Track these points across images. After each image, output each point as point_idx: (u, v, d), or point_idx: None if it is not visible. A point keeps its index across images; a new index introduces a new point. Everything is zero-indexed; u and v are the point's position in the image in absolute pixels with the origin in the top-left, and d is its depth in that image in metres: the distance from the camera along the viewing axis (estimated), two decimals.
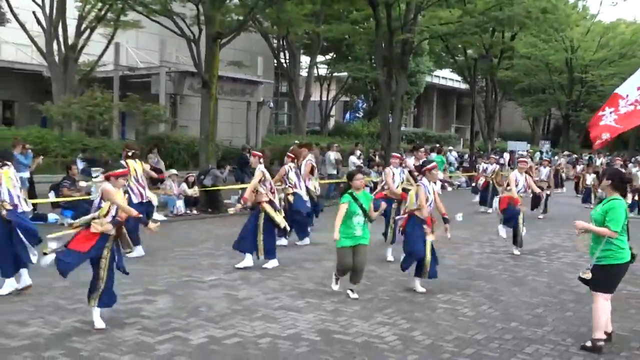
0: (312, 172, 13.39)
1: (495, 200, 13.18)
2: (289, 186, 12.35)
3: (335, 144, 24.83)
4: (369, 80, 39.78)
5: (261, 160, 10.72)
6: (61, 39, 23.69)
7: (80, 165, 17.19)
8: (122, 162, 11.20)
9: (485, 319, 7.69)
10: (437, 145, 33.37)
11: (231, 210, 11.63)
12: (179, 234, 14.02)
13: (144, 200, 11.29)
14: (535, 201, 17.68)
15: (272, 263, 10.42)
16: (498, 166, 20.48)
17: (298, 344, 6.57)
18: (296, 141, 24.50)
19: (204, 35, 20.44)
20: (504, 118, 58.49)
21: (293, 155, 12.82)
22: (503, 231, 12.41)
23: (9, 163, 8.46)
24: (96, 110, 20.97)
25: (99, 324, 6.85)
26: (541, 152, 39.73)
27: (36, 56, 26.18)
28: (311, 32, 33.64)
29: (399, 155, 12.70)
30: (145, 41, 30.68)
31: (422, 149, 15.62)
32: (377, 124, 35.91)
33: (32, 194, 15.17)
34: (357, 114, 51.35)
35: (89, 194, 14.79)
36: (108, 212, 6.89)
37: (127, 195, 10.95)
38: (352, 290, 8.52)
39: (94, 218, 6.86)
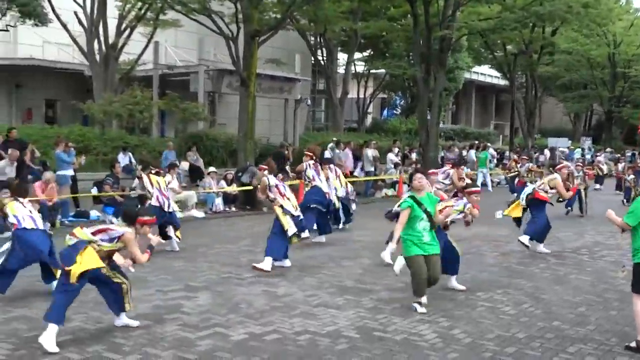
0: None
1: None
2: (307, 182, 12.56)
3: (373, 141, 24.78)
4: (406, 77, 39.55)
5: (266, 171, 10.89)
6: (102, 39, 24.04)
7: (123, 160, 17.40)
8: (144, 176, 11.69)
9: (526, 318, 7.59)
10: (476, 142, 33.08)
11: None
12: (218, 231, 14.13)
13: (166, 210, 11.28)
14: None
15: (266, 263, 9.77)
16: (530, 164, 20.39)
17: (337, 341, 6.56)
18: (334, 138, 24.52)
19: (242, 34, 20.57)
20: (544, 114, 57.66)
21: (312, 154, 12.97)
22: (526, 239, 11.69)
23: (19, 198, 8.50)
24: (136, 109, 21.24)
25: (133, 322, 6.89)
26: (582, 149, 39.11)
27: (78, 55, 26.60)
28: (348, 29, 33.61)
29: (435, 171, 12.42)
30: (184, 40, 30.97)
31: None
32: (415, 121, 35.70)
33: (74, 191, 15.46)
34: (394, 111, 51.11)
35: (132, 189, 15.00)
36: (113, 250, 6.68)
37: (148, 201, 11.40)
38: (419, 303, 7.64)
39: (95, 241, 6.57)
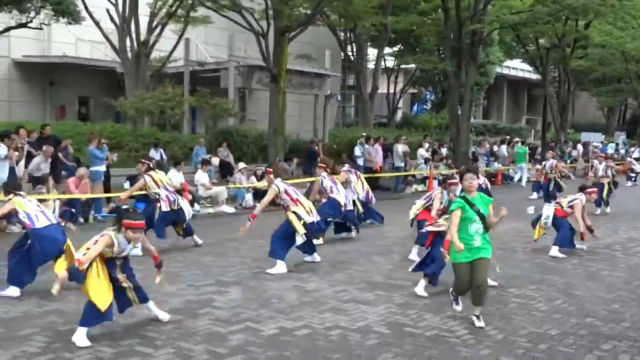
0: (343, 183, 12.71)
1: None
2: (327, 195, 12.00)
3: (403, 137, 24.67)
4: (437, 72, 39.32)
5: (272, 175, 10.36)
6: (133, 36, 24.26)
7: (155, 156, 17.53)
8: (146, 177, 11.17)
9: (559, 314, 7.51)
10: (507, 137, 32.78)
11: (242, 231, 10.07)
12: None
13: (175, 208, 11.05)
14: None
15: (279, 267, 9.52)
16: (555, 161, 19.62)
17: (368, 336, 6.56)
18: (364, 133, 24.47)
19: (272, 30, 20.63)
20: (577, 109, 56.87)
21: (325, 165, 12.48)
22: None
23: (21, 193, 8.57)
24: (167, 105, 21.42)
25: (163, 314, 6.94)
26: (616, 144, 38.55)
27: (110, 53, 26.89)
28: (378, 24, 33.48)
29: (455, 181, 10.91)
30: (214, 36, 31.13)
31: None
32: (446, 115, 35.49)
33: (107, 187, 15.64)
34: (424, 106, 50.89)
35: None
36: (114, 252, 6.54)
37: (158, 203, 10.98)
38: (477, 316, 7.02)
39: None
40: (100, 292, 6.34)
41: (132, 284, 6.70)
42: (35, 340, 6.24)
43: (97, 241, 6.48)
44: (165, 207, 10.97)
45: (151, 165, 11.46)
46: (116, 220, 6.62)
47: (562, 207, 11.51)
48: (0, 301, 7.61)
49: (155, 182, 11.10)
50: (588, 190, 11.89)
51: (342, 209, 12.05)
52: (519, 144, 28.48)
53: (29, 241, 8.09)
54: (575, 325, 7.10)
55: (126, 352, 5.95)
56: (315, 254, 10.20)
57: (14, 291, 7.93)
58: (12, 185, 9.28)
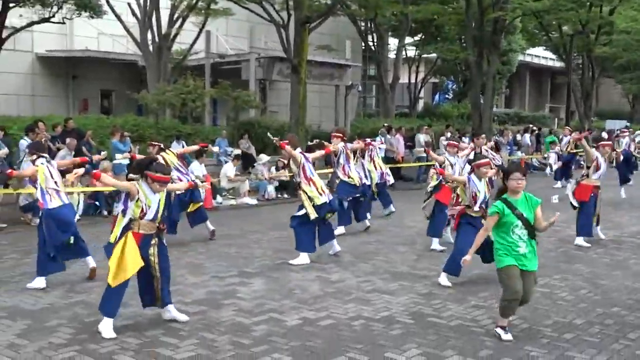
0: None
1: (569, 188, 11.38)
2: (336, 167, 11.96)
3: (425, 126, 24.55)
4: (458, 61, 39.00)
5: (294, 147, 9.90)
6: (155, 29, 24.32)
7: (178, 147, 17.58)
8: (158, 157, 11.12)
9: (584, 304, 7.45)
10: (531, 125, 32.50)
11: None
12: (271, 217, 14.22)
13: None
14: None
15: (301, 259, 9.50)
16: (571, 136, 19.30)
17: (392, 326, 6.55)
18: (385, 124, 24.38)
19: (292, 21, 20.59)
20: (601, 96, 56.21)
21: (341, 135, 12.04)
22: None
23: (45, 155, 8.31)
24: (189, 98, 21.46)
25: (182, 317, 6.71)
26: None
27: (131, 46, 26.98)
28: (399, 14, 33.23)
29: (455, 143, 11.26)
30: (234, 28, 31.13)
31: (483, 136, 14.29)
32: (468, 105, 35.25)
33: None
34: (446, 96, 50.55)
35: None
36: (143, 211, 6.38)
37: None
38: (504, 328, 6.25)
39: (131, 220, 6.41)
40: (126, 264, 6.24)
41: (163, 274, 6.53)
42: (62, 331, 6.31)
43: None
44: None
45: (162, 147, 11.40)
46: (138, 170, 6.48)
47: (588, 175, 11.06)
48: (27, 293, 7.70)
49: (167, 163, 10.79)
50: (602, 143, 11.78)
51: (359, 184, 11.91)
52: (548, 133, 28.21)
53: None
54: (601, 314, 7.03)
55: (151, 343, 5.99)
56: (335, 242, 10.03)
57: (39, 282, 7.99)
58: (35, 146, 8.70)
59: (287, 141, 9.83)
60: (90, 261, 8.41)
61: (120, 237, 6.38)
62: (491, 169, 8.65)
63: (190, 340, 6.07)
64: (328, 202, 9.74)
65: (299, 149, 9.88)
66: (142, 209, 6.36)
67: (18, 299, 7.47)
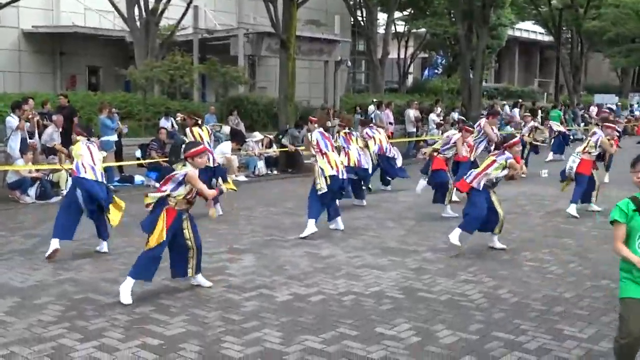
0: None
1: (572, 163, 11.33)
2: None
3: (415, 102, 24.51)
4: (448, 36, 38.91)
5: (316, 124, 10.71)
6: (142, 4, 24.09)
7: (165, 125, 17.49)
8: (187, 131, 11.22)
9: (574, 277, 7.48)
10: (520, 100, 32.50)
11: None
12: (261, 194, 14.20)
13: (211, 165, 10.83)
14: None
15: (309, 227, 9.54)
16: (534, 123, 18.59)
17: (382, 301, 6.56)
18: (374, 99, 24.31)
19: None
20: (590, 70, 56.33)
21: (345, 123, 12.75)
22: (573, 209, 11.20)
23: (86, 136, 8.88)
24: (177, 74, 21.32)
25: (207, 283, 7.06)
26: (631, 105, 38.18)
27: (118, 22, 26.76)
28: None
29: (470, 129, 11.97)
30: (222, 3, 30.90)
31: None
32: (457, 80, 35.19)
33: (119, 156, 15.65)
34: (436, 71, 50.48)
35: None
36: (188, 194, 6.67)
37: None
38: None
39: (169, 195, 6.63)
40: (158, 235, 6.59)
41: (196, 245, 6.87)
42: (51, 309, 6.28)
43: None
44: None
45: (199, 122, 11.43)
46: (180, 160, 6.97)
47: (590, 154, 11.28)
48: (16, 271, 7.66)
49: (194, 137, 10.86)
50: (607, 125, 12.04)
51: (358, 164, 12.18)
52: (552, 107, 28.25)
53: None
54: (590, 287, 7.07)
55: (141, 320, 5.98)
56: (339, 220, 10.10)
57: (54, 244, 8.13)
58: (80, 127, 9.48)
59: (316, 118, 10.68)
60: (104, 246, 8.61)
61: (159, 212, 6.62)
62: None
63: (181, 317, 6.06)
64: (341, 178, 9.84)
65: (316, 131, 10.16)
66: (190, 191, 6.65)
67: (7, 276, 7.43)
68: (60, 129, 14.43)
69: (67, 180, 13.30)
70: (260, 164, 17.46)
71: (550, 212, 11.60)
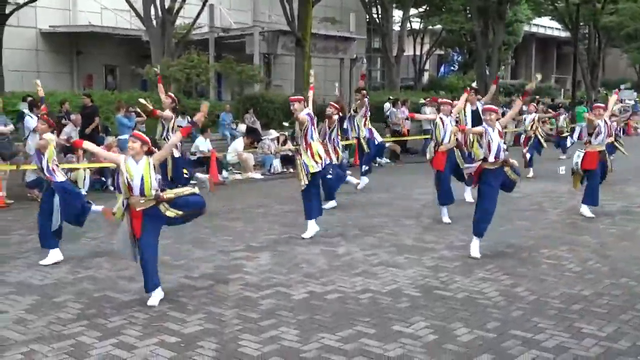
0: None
1: (577, 157, 10.94)
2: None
3: (430, 99, 24.40)
4: (464, 32, 38.71)
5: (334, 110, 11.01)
6: (158, 3, 24.15)
7: (182, 124, 17.51)
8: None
9: (592, 275, 7.42)
10: (537, 97, 32.25)
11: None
12: (277, 192, 14.21)
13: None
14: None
15: (310, 229, 9.50)
16: (537, 115, 17.23)
17: (399, 299, 6.55)
18: (390, 97, 24.25)
19: None
20: (607, 66, 55.81)
21: (338, 106, 12.64)
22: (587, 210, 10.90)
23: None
24: (193, 72, 21.37)
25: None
26: None
27: (135, 21, 26.83)
28: None
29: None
30: (238, 2, 30.91)
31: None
32: (473, 76, 35.00)
33: None
34: (452, 68, 50.27)
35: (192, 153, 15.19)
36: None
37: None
38: None
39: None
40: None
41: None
42: (70, 306, 6.33)
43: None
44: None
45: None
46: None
47: (590, 143, 10.87)
48: (35, 269, 7.73)
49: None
50: (594, 105, 11.84)
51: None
52: (578, 103, 28.04)
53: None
54: (608, 285, 7.01)
55: (158, 318, 6.01)
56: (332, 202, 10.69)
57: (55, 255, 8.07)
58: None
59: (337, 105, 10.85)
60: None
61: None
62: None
63: (198, 315, 6.08)
64: (322, 169, 9.55)
65: (306, 110, 9.46)
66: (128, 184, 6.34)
67: (26, 274, 7.50)
68: (78, 128, 14.53)
69: (84, 178, 13.40)
70: (276, 162, 17.49)
71: (568, 209, 11.51)
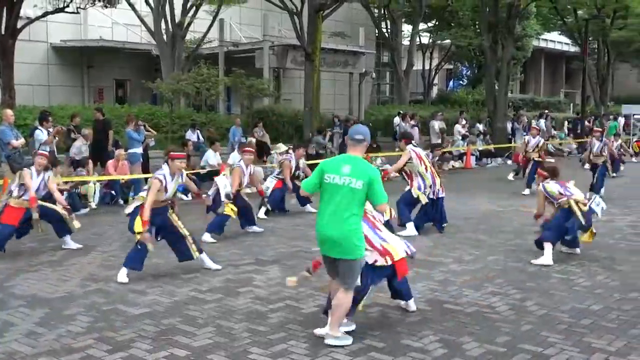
0: None
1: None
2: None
3: (439, 113, 24.47)
4: (473, 47, 38.75)
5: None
6: (168, 18, 24.36)
7: (192, 138, 17.61)
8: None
9: (601, 289, 7.40)
10: (546, 111, 32.25)
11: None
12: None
13: None
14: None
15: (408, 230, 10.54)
16: (542, 140, 16.60)
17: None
18: (400, 111, 24.30)
19: (306, 8, 20.49)
20: (617, 81, 55.67)
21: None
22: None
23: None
24: (203, 86, 21.49)
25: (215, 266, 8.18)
26: None
27: (145, 36, 27.06)
28: (413, 0, 33.09)
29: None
30: (248, 16, 31.11)
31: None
32: (482, 91, 35.05)
33: (145, 169, 15.80)
34: (460, 82, 50.31)
35: (202, 167, 15.19)
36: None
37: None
38: None
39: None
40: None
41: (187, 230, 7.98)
42: (80, 320, 6.36)
43: (148, 188, 7.66)
44: None
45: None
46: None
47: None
48: (45, 282, 7.76)
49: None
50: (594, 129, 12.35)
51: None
52: (611, 118, 28.02)
53: None
54: (618, 300, 6.99)
55: (168, 331, 6.03)
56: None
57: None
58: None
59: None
60: None
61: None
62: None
63: (207, 328, 6.10)
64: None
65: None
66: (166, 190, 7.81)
67: (37, 287, 7.54)
68: (89, 142, 14.63)
69: (94, 192, 13.47)
70: None
71: None
